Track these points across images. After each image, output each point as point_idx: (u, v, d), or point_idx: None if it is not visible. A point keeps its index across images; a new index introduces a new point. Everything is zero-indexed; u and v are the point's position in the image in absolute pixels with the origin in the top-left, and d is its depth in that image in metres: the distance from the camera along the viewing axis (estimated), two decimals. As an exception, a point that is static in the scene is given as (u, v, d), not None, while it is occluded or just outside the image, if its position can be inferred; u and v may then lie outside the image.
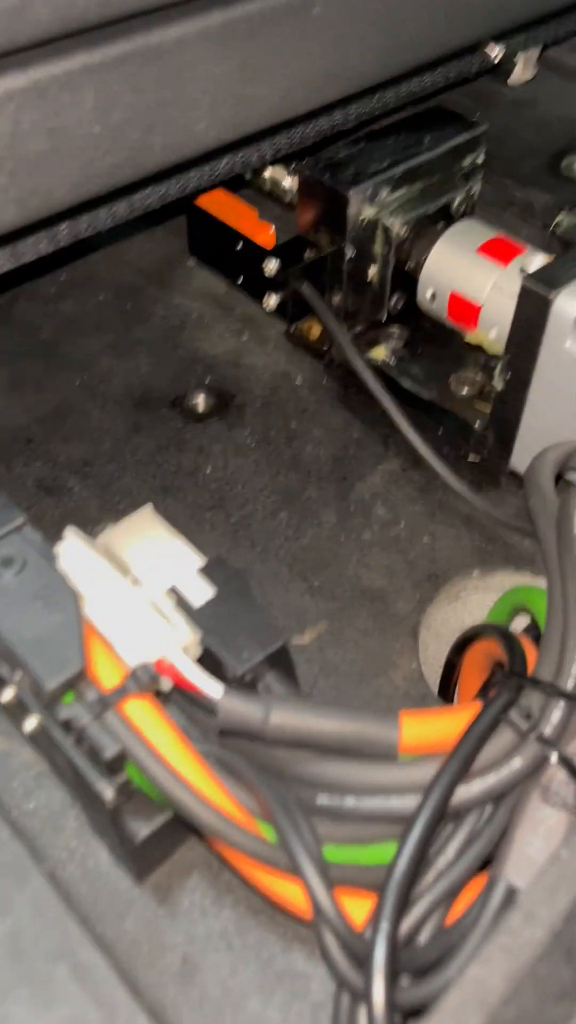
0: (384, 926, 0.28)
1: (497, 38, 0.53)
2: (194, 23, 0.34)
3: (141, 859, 0.33)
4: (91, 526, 0.37)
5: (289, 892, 0.30)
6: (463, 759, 0.30)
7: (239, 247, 0.55)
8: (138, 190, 0.41)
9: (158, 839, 0.33)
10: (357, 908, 0.30)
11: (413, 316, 0.55)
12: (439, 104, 0.57)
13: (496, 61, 0.56)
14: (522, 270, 0.45)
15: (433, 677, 0.44)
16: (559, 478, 0.41)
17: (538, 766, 0.31)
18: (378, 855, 0.31)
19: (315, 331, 0.57)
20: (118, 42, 0.32)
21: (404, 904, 0.29)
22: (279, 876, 0.30)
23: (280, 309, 0.55)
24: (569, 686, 0.32)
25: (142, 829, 0.32)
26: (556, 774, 0.31)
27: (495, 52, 0.54)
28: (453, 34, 0.45)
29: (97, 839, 0.35)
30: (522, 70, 0.62)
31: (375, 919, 0.28)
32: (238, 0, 0.35)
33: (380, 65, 0.42)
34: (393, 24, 0.41)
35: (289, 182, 0.55)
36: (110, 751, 0.29)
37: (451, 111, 0.55)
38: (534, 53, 0.63)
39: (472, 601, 0.47)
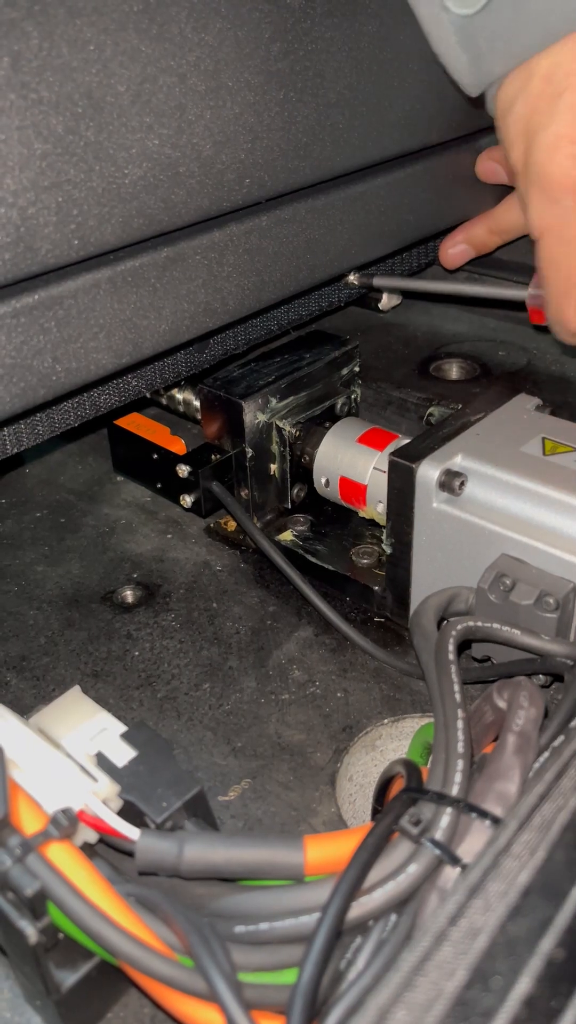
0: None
1: (358, 270, 0.64)
2: (89, 276, 0.43)
3: (71, 1016, 0.34)
4: (26, 713, 0.41)
5: (210, 1019, 0.31)
6: (355, 874, 0.32)
7: (155, 457, 0.62)
8: (56, 409, 0.49)
9: (87, 991, 0.34)
10: (276, 1029, 0.31)
11: (316, 502, 0.62)
12: (318, 328, 0.67)
13: (364, 291, 0.67)
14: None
15: (357, 825, 0.46)
16: (443, 621, 0.46)
17: (433, 869, 0.33)
18: (294, 976, 0.32)
19: (232, 524, 0.64)
20: (24, 296, 0.40)
21: (311, 1019, 0.30)
22: (199, 1003, 0.31)
23: (195, 507, 0.61)
24: (454, 792, 0.35)
25: (68, 977, 0.33)
26: (451, 875, 0.33)
27: (359, 282, 0.65)
28: (312, 272, 0.55)
29: (32, 1009, 0.36)
30: (388, 299, 0.73)
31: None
32: (123, 259, 0.44)
33: (251, 299, 0.52)
34: (257, 266, 0.51)
35: (196, 400, 0.64)
36: (31, 889, 0.31)
37: (328, 333, 0.65)
38: (396, 283, 0.74)
39: (388, 750, 0.50)
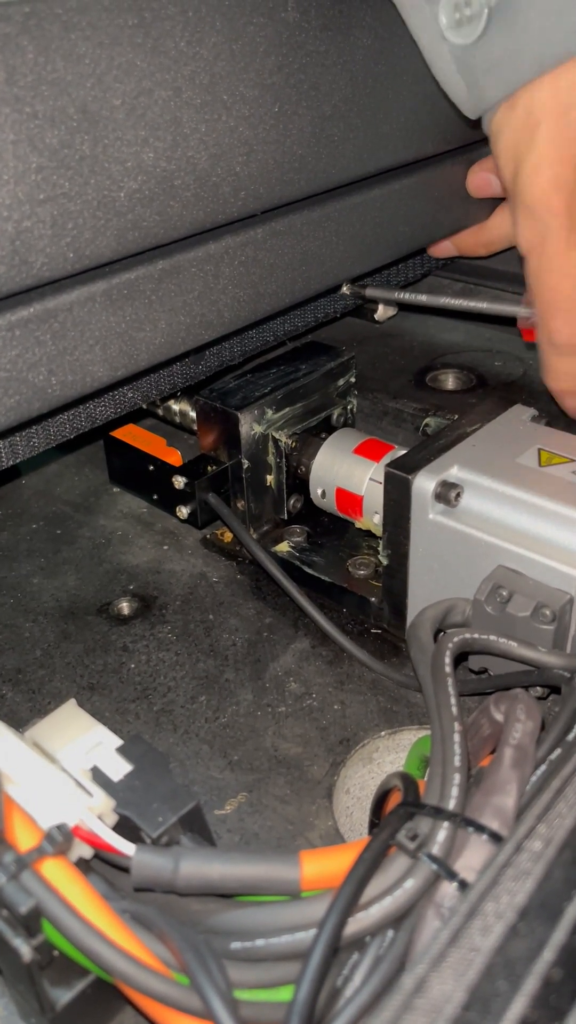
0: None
1: (352, 282, 0.64)
2: (84, 289, 0.43)
3: (66, 1034, 0.33)
4: (21, 727, 0.40)
5: (205, 1037, 0.31)
6: (351, 889, 0.32)
7: (151, 468, 0.62)
8: (52, 422, 0.49)
9: (81, 1009, 0.33)
10: (272, 1048, 0.31)
11: (312, 513, 0.62)
12: (314, 339, 0.67)
13: (360, 302, 0.67)
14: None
15: (354, 838, 0.46)
16: (440, 633, 0.46)
17: (430, 885, 0.33)
18: (290, 993, 0.32)
19: (228, 535, 0.64)
20: (19, 309, 0.40)
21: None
22: (195, 1021, 0.31)
23: (191, 518, 0.61)
24: (451, 806, 0.35)
25: (63, 995, 0.33)
26: (448, 890, 0.33)
27: (352, 293, 0.65)
28: (308, 283, 0.55)
29: (26, 1027, 0.36)
30: (384, 310, 0.73)
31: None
32: (118, 272, 0.44)
33: (247, 311, 0.52)
34: (252, 278, 0.51)
35: (192, 411, 0.64)
36: (25, 906, 0.30)
37: (323, 344, 0.65)
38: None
39: (385, 762, 0.49)
